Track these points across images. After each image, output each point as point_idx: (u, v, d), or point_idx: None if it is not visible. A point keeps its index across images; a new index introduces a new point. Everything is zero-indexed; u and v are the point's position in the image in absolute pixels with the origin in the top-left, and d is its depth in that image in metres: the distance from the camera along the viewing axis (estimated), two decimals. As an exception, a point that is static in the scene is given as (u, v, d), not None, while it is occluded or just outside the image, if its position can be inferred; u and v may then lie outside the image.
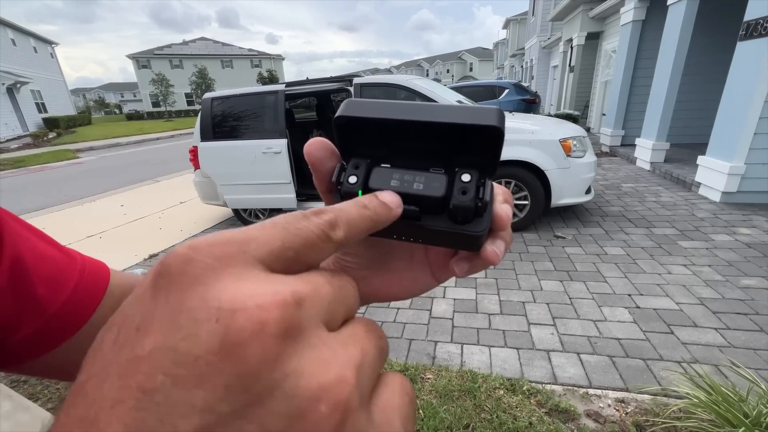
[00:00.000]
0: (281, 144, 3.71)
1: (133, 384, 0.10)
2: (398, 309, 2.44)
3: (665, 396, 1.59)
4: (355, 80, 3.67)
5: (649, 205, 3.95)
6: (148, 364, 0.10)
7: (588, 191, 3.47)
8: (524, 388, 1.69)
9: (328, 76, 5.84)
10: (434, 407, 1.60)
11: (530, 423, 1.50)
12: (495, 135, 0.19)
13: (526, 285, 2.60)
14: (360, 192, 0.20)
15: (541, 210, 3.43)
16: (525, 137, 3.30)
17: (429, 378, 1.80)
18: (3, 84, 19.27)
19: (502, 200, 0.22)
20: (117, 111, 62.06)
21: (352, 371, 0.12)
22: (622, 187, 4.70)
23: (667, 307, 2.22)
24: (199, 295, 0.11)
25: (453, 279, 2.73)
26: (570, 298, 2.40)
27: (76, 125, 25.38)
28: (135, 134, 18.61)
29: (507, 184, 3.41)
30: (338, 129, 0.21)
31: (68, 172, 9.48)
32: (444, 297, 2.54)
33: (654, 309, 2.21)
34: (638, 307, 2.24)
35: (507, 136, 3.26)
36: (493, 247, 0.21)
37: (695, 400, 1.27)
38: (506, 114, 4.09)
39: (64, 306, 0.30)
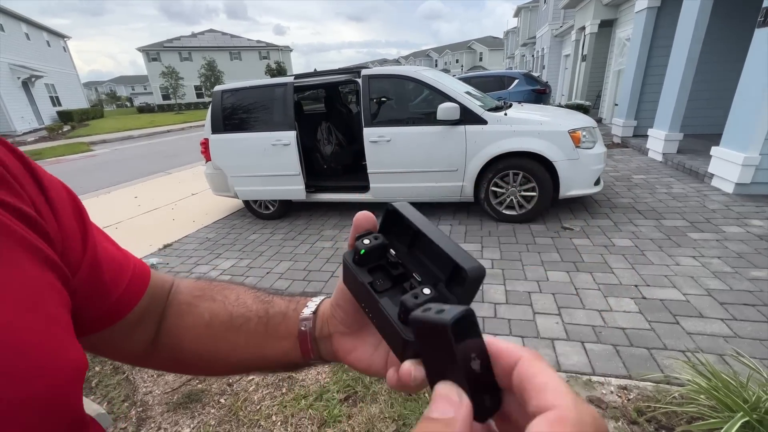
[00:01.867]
0: (290, 136, 3.76)
1: None
2: (405, 298, 2.49)
3: (668, 384, 1.61)
4: (363, 72, 3.68)
5: (659, 197, 3.91)
6: None
7: (597, 182, 3.45)
8: (528, 374, 1.73)
9: (336, 67, 5.81)
10: (440, 391, 1.65)
11: (533, 407, 1.54)
12: (463, 276, 0.23)
13: (533, 275, 2.63)
14: (362, 251, 0.28)
15: (549, 201, 3.43)
16: (533, 128, 3.29)
17: (435, 364, 1.85)
18: (18, 78, 19.64)
19: None
20: (128, 104, 62.80)
21: None
22: (633, 178, 4.65)
23: (673, 297, 2.23)
24: None
25: (460, 269, 2.77)
26: (576, 289, 2.42)
27: (89, 118, 25.79)
28: (147, 127, 18.86)
29: (515, 175, 3.41)
30: (387, 212, 0.29)
31: (83, 164, 9.69)
32: (450, 287, 2.58)
33: (660, 300, 2.22)
34: (644, 298, 2.25)
35: (515, 127, 3.28)
36: (410, 367, 0.22)
37: (696, 386, 1.30)
38: (515, 104, 4.07)
39: (121, 296, 0.36)
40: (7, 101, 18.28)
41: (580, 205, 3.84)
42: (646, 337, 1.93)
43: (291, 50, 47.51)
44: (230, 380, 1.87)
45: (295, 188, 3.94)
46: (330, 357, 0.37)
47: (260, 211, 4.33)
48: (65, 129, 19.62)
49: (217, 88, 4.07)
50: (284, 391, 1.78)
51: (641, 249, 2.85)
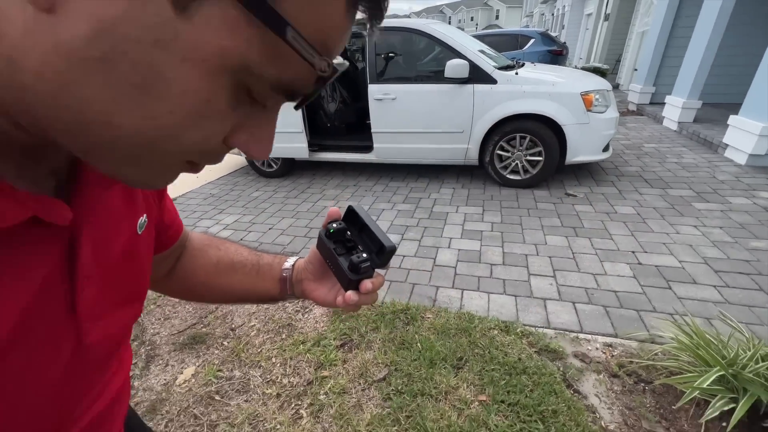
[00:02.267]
0: (293, 91, 3.65)
1: None
2: (404, 257, 2.53)
3: (652, 342, 1.67)
4: (370, 24, 3.49)
5: (669, 166, 3.83)
6: None
7: (606, 149, 3.37)
8: (518, 330, 1.80)
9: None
10: (431, 341, 1.73)
11: (519, 359, 1.62)
12: (383, 250, 0.43)
13: (531, 239, 2.65)
14: (331, 230, 0.46)
15: (554, 167, 3.37)
16: (544, 89, 3.16)
17: (428, 317, 1.92)
18: None
19: (371, 286, 0.44)
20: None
21: None
22: (644, 147, 4.53)
23: (669, 264, 2.25)
24: None
25: (460, 231, 2.79)
26: (573, 253, 2.44)
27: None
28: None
29: (522, 139, 3.33)
30: (348, 209, 0.47)
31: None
32: (449, 247, 2.61)
33: (656, 266, 2.25)
34: (640, 264, 2.28)
35: (526, 88, 3.16)
36: (351, 294, 0.44)
37: (678, 344, 1.34)
38: (527, 64, 3.89)
39: (171, 234, 0.50)
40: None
41: (585, 171, 3.78)
42: (637, 300, 1.97)
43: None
44: (233, 325, 1.97)
45: (298, 146, 3.90)
46: (300, 295, 0.54)
47: (263, 169, 4.32)
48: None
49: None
50: (284, 336, 1.87)
51: (643, 217, 2.84)
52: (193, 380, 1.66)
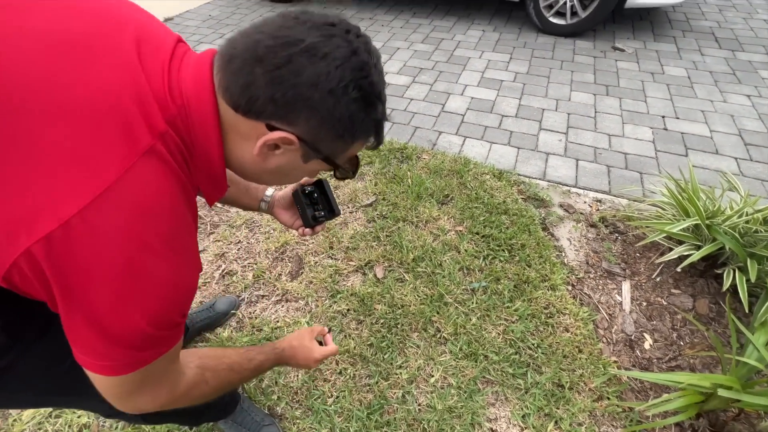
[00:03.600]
0: None
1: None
2: (411, 100, 2.37)
3: (642, 200, 1.66)
4: None
5: (754, 24, 3.12)
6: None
7: (682, -10, 2.69)
8: (511, 178, 1.80)
9: None
10: (422, 179, 1.76)
11: (504, 201, 1.66)
12: (335, 213, 0.79)
13: (554, 94, 2.39)
14: (306, 191, 0.75)
15: (611, 8, 2.78)
16: None
17: (424, 158, 1.91)
18: None
19: (320, 230, 0.79)
20: None
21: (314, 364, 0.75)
22: (735, -3, 3.61)
23: (698, 132, 2.06)
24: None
25: (478, 78, 2.53)
26: (595, 112, 2.23)
27: None
28: None
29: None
30: (317, 180, 0.76)
31: None
32: (462, 95, 2.41)
33: (681, 133, 2.06)
34: (665, 129, 2.09)
35: None
36: (307, 231, 0.78)
37: (667, 197, 1.32)
38: None
39: None
40: None
41: (646, 21, 3.14)
42: (644, 163, 1.88)
43: None
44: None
45: None
46: (269, 213, 0.82)
47: (268, -10, 3.73)
48: None
49: None
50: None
51: (692, 81, 2.47)
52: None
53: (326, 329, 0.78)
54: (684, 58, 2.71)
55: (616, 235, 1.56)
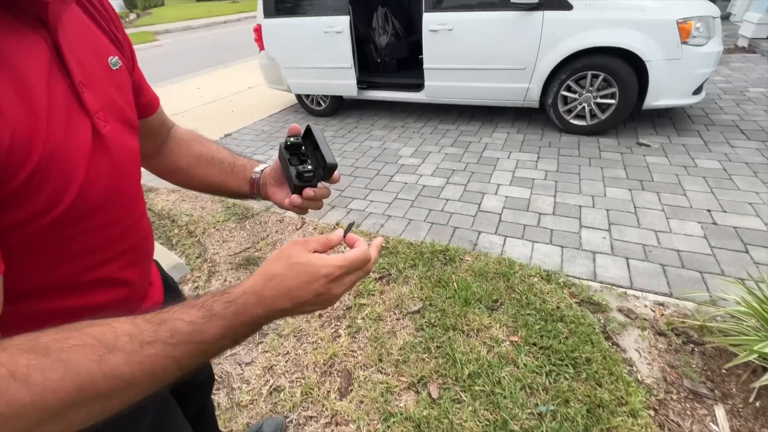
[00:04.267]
0: (343, 22, 3.47)
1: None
2: (447, 200, 2.49)
3: (712, 305, 1.54)
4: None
5: (776, 116, 3.21)
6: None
7: (697, 91, 2.88)
8: (560, 280, 1.75)
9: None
10: (468, 282, 1.74)
11: (558, 307, 1.59)
12: (325, 165, 0.52)
13: (588, 190, 2.45)
14: (288, 143, 0.56)
15: (628, 111, 2.98)
16: (631, 16, 2.69)
17: (467, 260, 1.92)
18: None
19: (312, 194, 0.54)
20: (186, -9, 60.81)
21: (344, 291, 0.41)
22: (748, 91, 3.80)
23: (751, 226, 1.99)
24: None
25: (510, 177, 2.65)
26: (635, 207, 2.23)
27: (151, 6, 25.66)
28: (205, 17, 18.46)
29: (594, 77, 2.94)
30: (306, 128, 0.56)
31: (151, 54, 10.01)
32: (496, 194, 2.51)
33: (734, 227, 1.99)
34: (715, 224, 2.03)
35: (608, 14, 2.71)
36: (295, 198, 0.54)
37: (744, 306, 1.22)
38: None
39: (148, 101, 0.61)
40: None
41: (666, 118, 3.31)
42: (702, 262, 1.79)
43: None
44: (282, 252, 2.12)
45: (346, 83, 3.80)
46: (264, 196, 0.63)
47: (312, 107, 4.31)
48: (131, 17, 19.90)
49: (269, -37, 3.74)
50: (327, 266, 1.99)
51: (729, 173, 2.47)
52: (248, 295, 1.86)
53: (341, 233, 0.46)
54: (714, 150, 2.76)
55: (692, 345, 1.42)
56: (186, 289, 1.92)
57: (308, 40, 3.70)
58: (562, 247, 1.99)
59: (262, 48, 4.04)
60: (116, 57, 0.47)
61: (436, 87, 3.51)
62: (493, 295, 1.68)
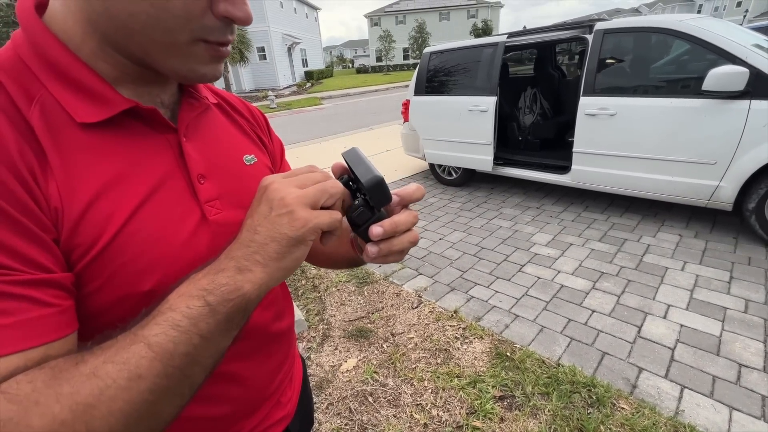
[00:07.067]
0: (489, 102, 3.51)
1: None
2: (593, 312, 2.05)
3: None
4: (598, 26, 2.97)
5: None
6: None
7: None
8: (788, 492, 1.15)
9: (548, 23, 4.95)
10: (625, 446, 1.30)
11: None
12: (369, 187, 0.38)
13: (829, 346, 1.68)
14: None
15: None
16: None
17: (623, 408, 1.47)
18: (286, 45, 25.82)
19: (381, 230, 0.39)
20: (350, 65, 74.07)
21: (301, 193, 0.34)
22: None
23: None
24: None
25: (686, 298, 2.07)
26: None
27: (323, 77, 31.87)
28: (360, 86, 21.88)
29: None
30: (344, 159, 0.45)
31: (315, 115, 12.16)
32: (665, 318, 1.96)
33: None
34: None
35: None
36: (368, 247, 0.41)
37: None
38: None
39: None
40: (278, 63, 24.50)
41: None
42: None
43: (502, 6, 44.38)
44: (393, 330, 2.03)
45: (482, 158, 3.75)
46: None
47: (443, 176, 4.38)
48: (307, 86, 24.98)
49: (427, 49, 4.14)
50: (439, 361, 1.80)
51: None
52: (354, 372, 1.79)
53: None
54: None
55: None
56: (301, 347, 1.98)
57: (451, 116, 3.85)
58: (785, 431, 1.35)
59: (406, 119, 4.38)
60: (252, 155, 0.52)
61: (585, 172, 3.13)
62: (666, 480, 1.20)
